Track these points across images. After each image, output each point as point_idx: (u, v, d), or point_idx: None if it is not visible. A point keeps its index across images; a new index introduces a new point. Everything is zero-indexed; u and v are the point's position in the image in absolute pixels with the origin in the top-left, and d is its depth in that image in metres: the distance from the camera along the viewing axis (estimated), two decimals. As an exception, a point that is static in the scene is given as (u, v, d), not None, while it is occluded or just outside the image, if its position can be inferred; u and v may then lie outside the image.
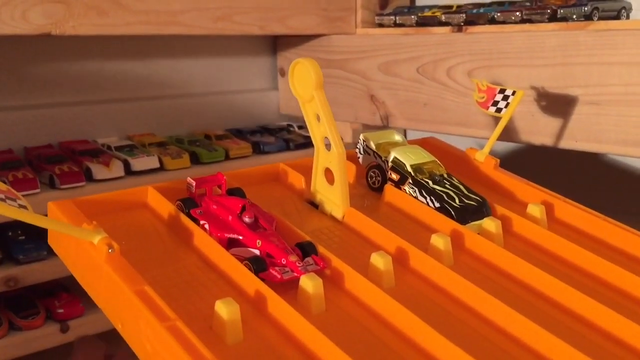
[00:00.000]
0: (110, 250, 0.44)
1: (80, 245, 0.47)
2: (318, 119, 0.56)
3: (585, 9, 0.79)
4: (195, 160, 0.93)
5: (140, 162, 0.87)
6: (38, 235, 0.81)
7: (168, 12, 0.85)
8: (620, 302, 0.51)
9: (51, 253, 0.79)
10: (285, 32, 1.00)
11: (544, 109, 0.81)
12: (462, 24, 0.90)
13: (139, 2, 0.83)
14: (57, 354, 0.85)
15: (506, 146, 1.03)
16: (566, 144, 0.80)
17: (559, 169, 1.03)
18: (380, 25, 1.02)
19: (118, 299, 0.43)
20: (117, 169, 0.85)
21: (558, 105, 0.80)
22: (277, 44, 1.18)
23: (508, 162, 0.75)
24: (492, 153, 0.73)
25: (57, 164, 0.83)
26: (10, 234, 0.81)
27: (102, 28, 0.81)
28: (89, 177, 0.83)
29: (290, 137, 1.06)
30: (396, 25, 0.99)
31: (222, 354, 0.38)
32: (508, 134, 0.85)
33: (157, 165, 0.89)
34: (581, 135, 0.79)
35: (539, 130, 0.82)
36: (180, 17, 0.87)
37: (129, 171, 0.86)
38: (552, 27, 0.81)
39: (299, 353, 0.42)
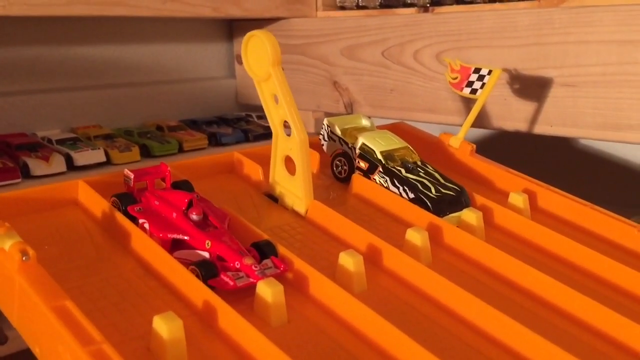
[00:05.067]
0: (24, 258, 0.37)
1: (-10, 253, 0.39)
2: (276, 100, 0.51)
3: (558, -16, 0.76)
4: (146, 153, 0.89)
5: (84, 156, 0.82)
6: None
7: (110, -9, 0.81)
8: (611, 297, 0.48)
9: None
10: (241, 15, 0.96)
11: (517, 93, 0.79)
12: (428, 4, 0.87)
13: (77, -22, 0.78)
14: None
15: (477, 133, 1.00)
16: (541, 129, 0.77)
17: (533, 157, 1.01)
18: (342, 7, 0.99)
19: (33, 317, 0.36)
20: (58, 164, 0.80)
21: (532, 87, 0.77)
22: (233, 29, 1.14)
23: (479, 150, 0.72)
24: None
25: None
26: None
27: (37, 8, 0.76)
28: (26, 174, 0.77)
29: (249, 127, 1.02)
30: (359, 7, 0.96)
31: (162, 382, 0.31)
32: (479, 119, 0.82)
33: (103, 159, 0.84)
34: (557, 120, 0.76)
35: (512, 115, 0.79)
36: (124, -4, 0.82)
37: (71, 166, 0.81)
38: (524, 5, 0.78)
39: (256, 375, 0.35)
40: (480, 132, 1.00)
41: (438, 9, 0.85)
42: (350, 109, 0.98)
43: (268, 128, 1.02)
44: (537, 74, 0.76)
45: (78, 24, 0.96)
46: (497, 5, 0.81)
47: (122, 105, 1.01)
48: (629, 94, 0.70)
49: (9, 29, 0.90)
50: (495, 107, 0.80)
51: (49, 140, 0.86)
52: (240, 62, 1.15)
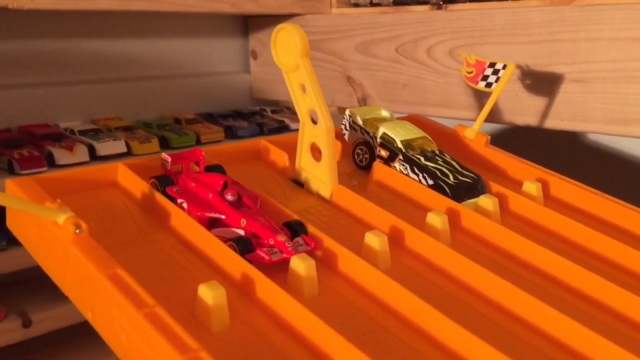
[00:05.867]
0: (77, 231, 0.39)
1: (43, 226, 0.42)
2: (303, 89, 0.53)
3: (570, -17, 0.77)
4: (165, 144, 0.90)
5: (106, 147, 0.84)
6: (-3, 225, 0.76)
7: (133, -14, 0.82)
8: (619, 277, 0.50)
9: (11, 244, 0.75)
10: (258, 11, 0.98)
11: (529, 88, 0.80)
12: (441, 1, 0.88)
13: (103, -26, 0.79)
14: (19, 351, 0.80)
15: (489, 128, 1.02)
16: (551, 123, 0.79)
17: (545, 152, 1.02)
18: (356, 4, 1.00)
19: (87, 284, 0.38)
20: (82, 153, 0.81)
21: (543, 83, 0.78)
22: (248, 25, 1.16)
23: (493, 144, 0.73)
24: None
25: (16, 149, 0.79)
26: (-33, 224, 0.76)
27: (63, 2, 0.77)
28: (50, 163, 0.79)
29: (264, 121, 1.03)
30: (373, 4, 0.97)
31: (208, 343, 0.34)
32: (490, 114, 0.83)
33: (124, 149, 0.85)
34: (567, 115, 0.77)
35: (523, 110, 0.81)
36: (147, -8, 0.84)
37: (94, 156, 0.83)
38: (536, 3, 0.79)
39: (292, 339, 0.38)
40: (492, 127, 1.01)
41: (451, 6, 0.86)
42: (363, 103, 0.99)
43: (282, 122, 1.03)
44: (548, 70, 0.77)
45: (100, 18, 0.98)
46: (509, 2, 0.81)
47: (141, 98, 1.02)
48: (638, 90, 0.71)
49: (35, 22, 0.92)
50: (507, 102, 0.81)
51: (72, 131, 0.88)
52: (255, 58, 1.16)
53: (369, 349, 0.35)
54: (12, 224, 0.48)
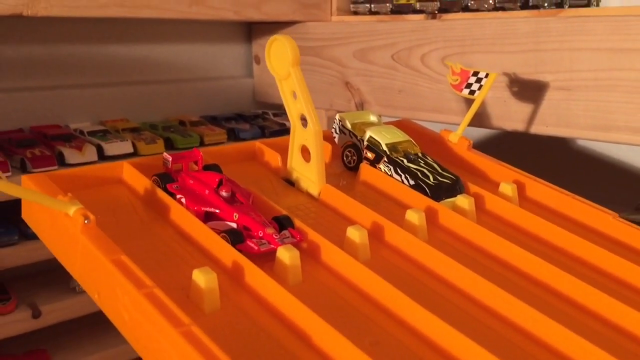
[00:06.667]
0: (86, 221, 0.44)
1: (55, 217, 0.46)
2: (294, 96, 0.56)
3: (557, -4, 0.81)
4: (170, 146, 0.93)
5: (113, 147, 0.87)
6: (8, 220, 0.80)
7: (142, -6, 0.85)
8: (586, 273, 0.53)
9: (22, 238, 0.79)
10: (261, 18, 1.00)
11: (516, 95, 0.83)
12: (436, 11, 0.91)
13: (113, -17, 0.82)
14: (29, 340, 0.84)
15: (480, 132, 1.05)
16: (537, 129, 0.81)
17: (530, 155, 1.05)
18: (356, 12, 1.03)
19: (94, 268, 0.43)
20: (90, 153, 0.85)
21: (529, 90, 0.81)
22: (252, 31, 1.19)
23: (481, 149, 0.76)
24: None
25: (28, 148, 0.82)
26: (-21, 219, 0.80)
27: (75, 10, 0.80)
28: (61, 162, 0.82)
29: (266, 124, 1.06)
30: (371, 12, 1.00)
31: (200, 322, 0.38)
32: (480, 119, 0.86)
33: (131, 150, 0.89)
34: (552, 121, 0.80)
35: (511, 115, 0.83)
36: (154, 0, 0.86)
37: (102, 156, 0.86)
38: (524, 14, 0.82)
39: (276, 321, 0.42)
40: (481, 132, 1.04)
41: (445, 16, 0.89)
42: (361, 108, 1.02)
43: (283, 125, 1.05)
44: (534, 78, 0.80)
45: (109, 25, 1.01)
46: (499, 13, 0.84)
47: (148, 101, 1.05)
48: (618, 98, 0.74)
49: (47, 28, 0.95)
50: (496, 108, 0.84)
51: (81, 132, 0.91)
52: (258, 62, 1.19)
53: (346, 331, 0.39)
54: (27, 215, 0.53)
